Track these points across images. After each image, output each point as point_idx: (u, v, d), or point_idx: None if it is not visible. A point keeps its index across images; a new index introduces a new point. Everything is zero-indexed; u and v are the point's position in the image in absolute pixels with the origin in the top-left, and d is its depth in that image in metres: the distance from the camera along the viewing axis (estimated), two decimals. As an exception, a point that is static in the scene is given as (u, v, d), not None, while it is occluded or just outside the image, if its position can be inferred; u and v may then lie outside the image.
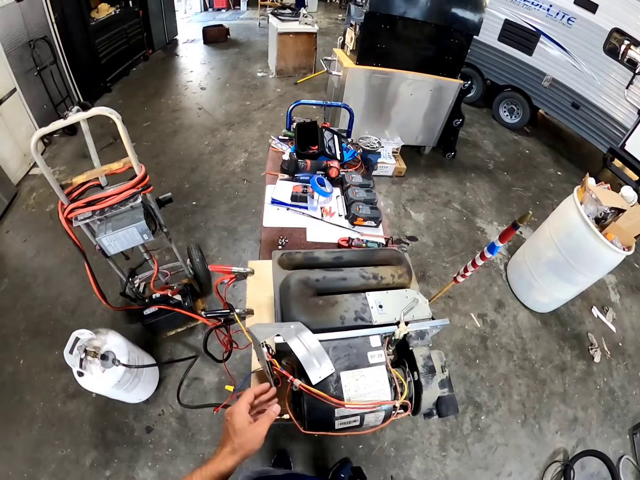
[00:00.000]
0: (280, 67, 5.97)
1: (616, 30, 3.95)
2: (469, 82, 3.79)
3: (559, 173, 4.64)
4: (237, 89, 5.62)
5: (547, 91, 4.78)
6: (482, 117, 5.60)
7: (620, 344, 2.81)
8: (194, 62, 6.52)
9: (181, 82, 5.79)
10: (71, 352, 1.58)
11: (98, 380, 1.68)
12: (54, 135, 4.26)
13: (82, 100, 4.56)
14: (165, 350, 2.42)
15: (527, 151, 5.01)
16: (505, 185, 4.26)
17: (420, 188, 4.00)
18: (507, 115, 5.44)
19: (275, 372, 0.84)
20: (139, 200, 1.63)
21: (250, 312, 1.12)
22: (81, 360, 1.60)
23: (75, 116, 1.46)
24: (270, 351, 0.77)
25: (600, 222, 2.38)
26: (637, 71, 3.87)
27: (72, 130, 4.12)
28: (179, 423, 2.12)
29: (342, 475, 1.95)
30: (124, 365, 1.71)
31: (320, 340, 0.90)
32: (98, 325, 2.43)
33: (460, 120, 4.07)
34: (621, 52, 3.98)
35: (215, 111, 5.00)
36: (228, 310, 1.10)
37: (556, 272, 2.61)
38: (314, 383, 0.80)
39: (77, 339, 1.62)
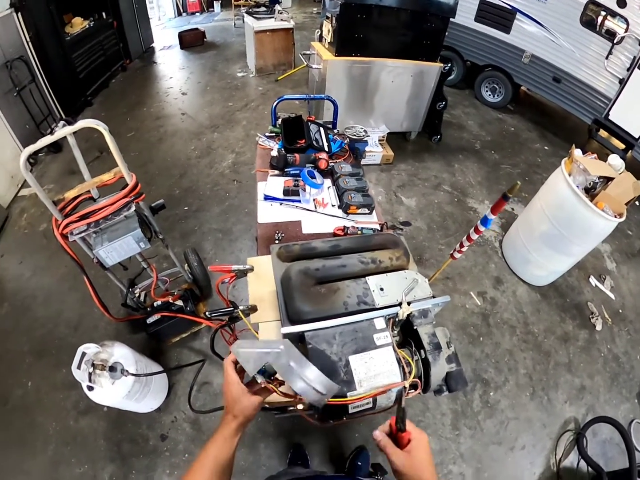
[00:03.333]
0: (259, 66, 5.94)
1: (591, 2, 3.97)
2: (449, 65, 3.80)
3: (545, 148, 4.68)
4: (218, 91, 5.59)
5: (527, 67, 4.79)
6: (464, 99, 5.61)
7: (620, 311, 2.85)
8: (172, 68, 6.47)
9: (162, 89, 5.75)
10: (79, 367, 1.58)
11: (108, 393, 1.68)
12: (39, 155, 4.21)
13: (64, 116, 4.52)
14: (172, 357, 2.42)
15: (512, 128, 5.04)
16: (493, 163, 4.29)
17: (410, 173, 4.02)
18: (489, 95, 5.45)
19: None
20: (133, 209, 1.63)
21: (254, 308, 1.13)
22: (90, 374, 1.60)
23: (63, 131, 1.46)
24: (266, 377, 0.72)
25: (590, 191, 2.40)
26: (615, 41, 3.90)
27: (57, 147, 4.09)
28: (193, 428, 2.13)
29: (359, 463, 1.97)
30: (132, 374, 1.71)
31: (325, 328, 0.92)
32: (102, 338, 2.40)
33: (444, 103, 4.08)
34: (598, 24, 4.01)
35: (198, 115, 4.98)
36: (232, 308, 1.10)
37: (550, 245, 2.64)
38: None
39: (83, 354, 1.62)
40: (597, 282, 3.02)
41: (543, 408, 2.27)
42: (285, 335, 0.89)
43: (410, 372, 0.90)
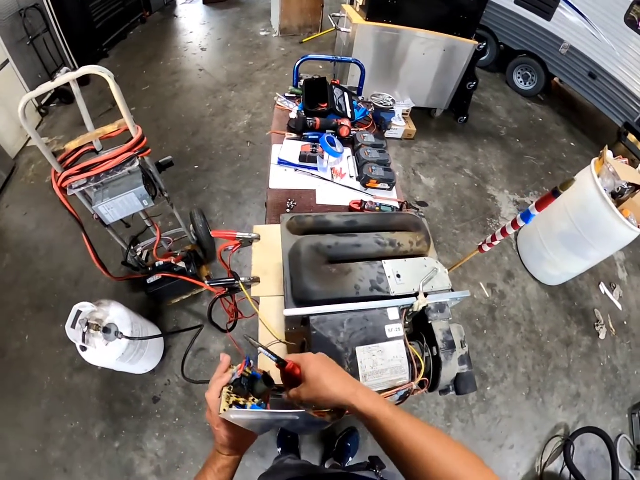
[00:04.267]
0: (284, 26, 5.68)
1: (637, 2, 3.71)
2: (484, 44, 3.59)
3: (572, 143, 4.48)
4: (238, 48, 5.39)
5: (563, 58, 4.54)
6: (494, 82, 5.36)
7: (625, 322, 2.79)
8: (193, 22, 6.24)
9: (180, 44, 5.56)
10: (73, 326, 1.54)
11: (102, 354, 1.66)
12: (51, 105, 4.13)
13: (77, 67, 4.38)
14: (170, 318, 2.40)
15: (540, 119, 4.83)
16: (517, 152, 4.12)
17: (431, 152, 3.88)
18: (520, 82, 5.21)
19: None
20: (137, 164, 1.55)
21: (256, 279, 1.06)
22: (83, 334, 1.57)
23: (64, 76, 1.37)
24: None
25: (617, 196, 2.31)
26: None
27: (69, 98, 3.98)
28: (185, 392, 2.13)
29: (349, 444, 1.96)
30: (127, 337, 1.68)
31: (335, 312, 0.84)
32: (101, 295, 2.42)
33: (474, 83, 3.89)
34: (640, 25, 3.75)
35: (216, 72, 4.80)
36: (233, 279, 1.04)
37: (568, 244, 2.56)
38: None
39: (78, 312, 1.58)
40: (607, 290, 2.94)
41: (537, 409, 2.26)
42: (289, 318, 0.81)
43: (419, 369, 0.84)
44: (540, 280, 2.87)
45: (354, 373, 0.79)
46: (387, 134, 3.69)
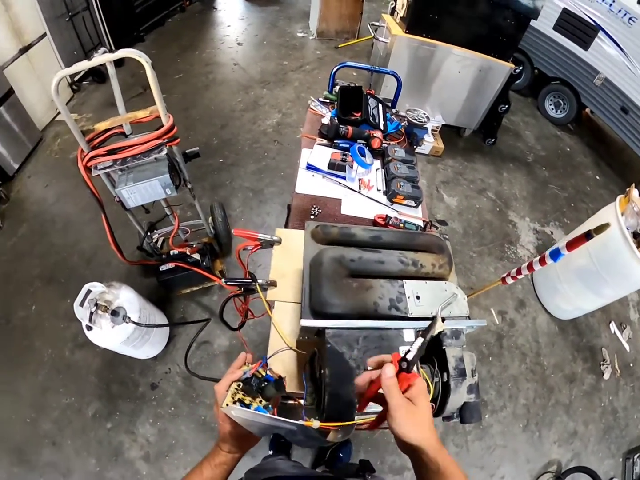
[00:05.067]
0: (321, 29, 5.71)
1: None
2: (521, 68, 3.55)
3: (597, 177, 4.40)
4: (274, 47, 5.41)
5: (597, 90, 4.45)
6: (526, 107, 5.30)
7: (631, 365, 2.73)
8: (232, 16, 6.29)
9: (217, 36, 5.60)
10: (82, 304, 1.55)
11: (106, 336, 1.66)
12: (83, 83, 4.19)
13: (113, 48, 4.46)
14: (178, 308, 2.41)
15: (568, 149, 4.75)
16: (542, 181, 4.06)
17: (456, 171, 3.85)
18: (552, 109, 5.14)
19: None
20: (164, 152, 1.55)
21: (273, 283, 1.05)
22: (91, 313, 1.58)
23: (101, 57, 1.38)
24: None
25: (639, 237, 2.26)
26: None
27: (102, 77, 4.05)
28: (185, 383, 2.13)
29: (341, 455, 1.94)
30: (134, 323, 1.68)
31: (350, 328, 0.83)
32: (113, 276, 2.43)
33: (507, 106, 3.85)
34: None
35: (250, 68, 4.83)
36: (250, 280, 1.03)
37: (584, 280, 2.51)
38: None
39: (88, 292, 1.59)
40: (617, 330, 2.88)
41: (532, 443, 2.22)
42: (305, 328, 0.80)
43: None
44: (551, 312, 2.82)
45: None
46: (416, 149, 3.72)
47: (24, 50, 3.35)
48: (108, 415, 2.01)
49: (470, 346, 2.51)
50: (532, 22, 3.51)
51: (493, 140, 4.26)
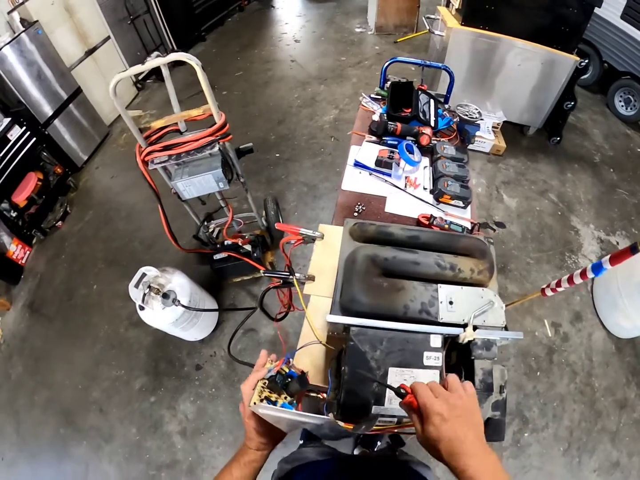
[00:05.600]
0: (380, 24, 5.63)
1: None
2: (587, 61, 3.23)
3: (671, 182, 3.92)
4: (332, 43, 5.43)
5: (671, 88, 3.96)
6: (594, 104, 4.82)
7: (689, 396, 2.41)
8: (289, 14, 6.42)
9: (275, 34, 5.75)
10: (137, 286, 1.69)
11: (157, 316, 1.80)
12: (147, 81, 4.51)
13: (175, 48, 4.73)
14: (229, 295, 2.52)
15: (639, 149, 4.28)
16: (609, 184, 3.69)
17: (518, 171, 3.63)
18: (622, 106, 4.62)
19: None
20: (217, 148, 1.64)
21: (312, 278, 1.08)
22: (144, 295, 1.71)
23: (154, 61, 1.48)
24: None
25: None
26: None
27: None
28: (228, 367, 2.23)
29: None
30: (183, 306, 1.80)
31: (376, 328, 0.83)
32: (170, 262, 2.61)
33: (573, 103, 3.53)
34: None
35: (308, 64, 4.90)
36: (288, 273, 1.07)
37: (647, 296, 2.25)
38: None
39: (143, 275, 1.72)
40: (679, 356, 2.55)
41: (570, 468, 2.05)
42: (331, 324, 0.81)
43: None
44: (609, 329, 2.56)
45: (381, 394, 0.77)
46: (475, 146, 3.52)
47: (90, 52, 3.66)
48: (153, 390, 2.17)
49: (518, 358, 2.37)
50: (597, 11, 3.18)
51: (558, 138, 3.93)
